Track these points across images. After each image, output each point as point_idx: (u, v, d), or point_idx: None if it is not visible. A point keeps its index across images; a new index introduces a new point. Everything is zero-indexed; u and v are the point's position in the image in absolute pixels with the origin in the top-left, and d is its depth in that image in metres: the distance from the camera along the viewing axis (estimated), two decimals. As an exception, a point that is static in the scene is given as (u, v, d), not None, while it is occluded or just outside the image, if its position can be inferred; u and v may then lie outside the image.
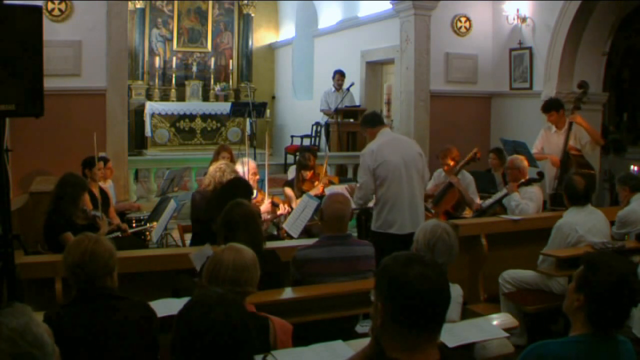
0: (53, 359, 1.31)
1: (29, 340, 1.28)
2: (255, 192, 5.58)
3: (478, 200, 5.98)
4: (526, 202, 5.47)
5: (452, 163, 5.95)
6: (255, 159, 7.57)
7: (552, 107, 6.37)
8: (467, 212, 6.01)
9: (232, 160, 6.19)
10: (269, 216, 5.55)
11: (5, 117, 3.24)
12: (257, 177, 5.69)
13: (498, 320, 3.11)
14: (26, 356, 1.27)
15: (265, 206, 5.41)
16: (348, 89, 9.59)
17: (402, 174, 4.61)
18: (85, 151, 5.58)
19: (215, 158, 6.21)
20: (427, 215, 5.49)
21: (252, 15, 12.95)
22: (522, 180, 5.60)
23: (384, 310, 1.69)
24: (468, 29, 8.54)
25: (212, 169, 5.07)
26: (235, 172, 5.07)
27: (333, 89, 9.70)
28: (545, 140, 6.48)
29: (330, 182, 6.09)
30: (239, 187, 4.45)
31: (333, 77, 9.74)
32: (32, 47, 3.08)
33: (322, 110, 9.87)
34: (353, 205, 4.47)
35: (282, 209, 5.60)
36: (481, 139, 8.34)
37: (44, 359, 1.29)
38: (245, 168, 5.51)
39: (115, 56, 6.87)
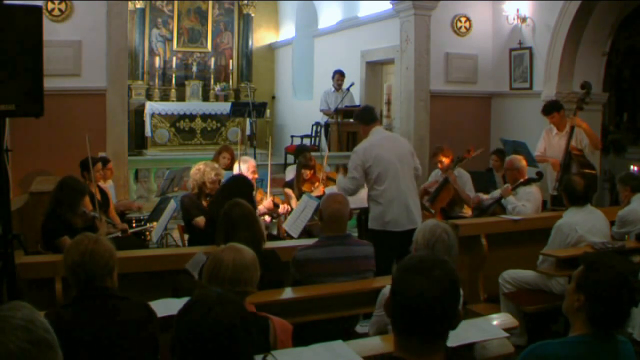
0: (59, 350, 1.32)
1: (41, 326, 1.29)
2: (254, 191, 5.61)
3: (474, 196, 5.98)
4: (523, 203, 5.44)
5: (445, 160, 5.98)
6: (255, 159, 7.58)
7: (553, 108, 6.36)
8: (466, 210, 6.01)
9: (233, 160, 6.20)
10: (267, 218, 5.58)
11: (5, 117, 3.24)
12: (256, 175, 5.70)
13: (498, 320, 3.11)
14: (43, 341, 1.27)
15: (267, 202, 5.43)
16: (348, 89, 9.57)
17: (397, 171, 4.65)
18: (85, 151, 5.57)
19: (216, 158, 6.23)
20: (427, 215, 5.50)
21: (252, 15, 12.95)
22: (521, 180, 5.59)
23: (389, 306, 1.68)
24: (468, 29, 8.53)
25: (192, 171, 5.11)
26: (216, 169, 5.08)
27: (333, 89, 9.69)
28: (547, 142, 6.47)
29: (330, 179, 6.10)
30: (241, 184, 4.54)
31: (333, 77, 9.72)
32: (32, 47, 3.08)
33: (322, 110, 9.85)
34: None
35: (283, 208, 5.63)
36: (481, 139, 8.34)
37: (56, 345, 1.30)
38: (245, 166, 5.54)
39: (115, 56, 6.86)
